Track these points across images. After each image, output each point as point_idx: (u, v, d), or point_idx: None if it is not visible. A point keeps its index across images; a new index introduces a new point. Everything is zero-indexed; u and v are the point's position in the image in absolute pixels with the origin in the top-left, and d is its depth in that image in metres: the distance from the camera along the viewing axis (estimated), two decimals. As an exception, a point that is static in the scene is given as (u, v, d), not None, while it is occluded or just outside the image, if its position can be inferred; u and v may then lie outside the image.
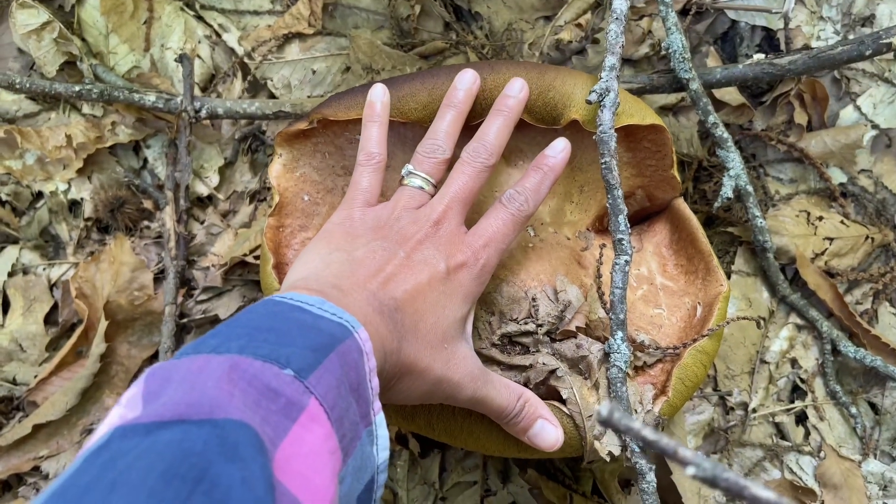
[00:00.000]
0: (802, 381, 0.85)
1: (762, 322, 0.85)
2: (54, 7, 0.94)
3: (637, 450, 0.61)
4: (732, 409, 0.84)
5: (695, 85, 0.81)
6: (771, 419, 0.84)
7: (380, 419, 0.48)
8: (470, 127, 0.72)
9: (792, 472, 0.81)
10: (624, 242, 0.63)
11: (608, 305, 0.70)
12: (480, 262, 0.60)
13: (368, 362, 0.48)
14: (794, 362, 0.86)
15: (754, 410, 0.84)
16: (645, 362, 0.69)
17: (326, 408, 0.42)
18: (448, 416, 0.64)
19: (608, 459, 0.62)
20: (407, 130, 0.74)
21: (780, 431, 0.84)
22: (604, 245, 0.74)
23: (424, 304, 0.56)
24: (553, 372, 0.65)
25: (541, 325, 0.68)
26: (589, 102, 0.63)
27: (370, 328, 0.50)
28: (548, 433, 0.61)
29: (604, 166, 0.63)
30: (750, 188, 0.83)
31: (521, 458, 0.78)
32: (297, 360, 0.42)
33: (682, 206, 0.77)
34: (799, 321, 0.87)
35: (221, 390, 0.38)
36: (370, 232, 0.61)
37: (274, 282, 0.71)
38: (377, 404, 0.48)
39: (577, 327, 0.67)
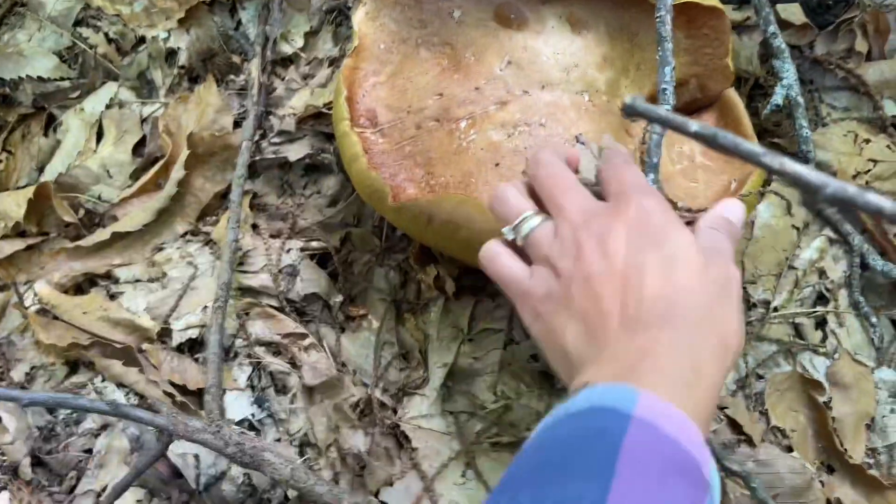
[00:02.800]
0: (828, 290, 0.88)
1: (790, 205, 0.89)
2: None
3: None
4: (755, 305, 0.88)
5: None
6: (791, 320, 0.87)
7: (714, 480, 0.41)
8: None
9: (804, 368, 0.85)
10: (667, 92, 0.68)
11: (648, 169, 0.75)
12: None
13: (686, 433, 0.40)
14: (822, 273, 0.89)
15: (776, 309, 0.87)
16: (675, 222, 0.74)
17: None
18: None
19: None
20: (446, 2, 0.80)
21: (799, 333, 0.87)
22: (652, 114, 0.79)
23: None
24: None
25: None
26: None
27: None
28: None
29: (658, 20, 0.68)
30: (801, 99, 0.86)
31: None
32: (587, 499, 0.36)
33: (733, 93, 0.81)
34: (832, 235, 0.90)
35: None
36: None
37: (345, 112, 0.78)
38: (707, 468, 0.40)
39: (617, 174, 0.72)
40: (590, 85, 0.80)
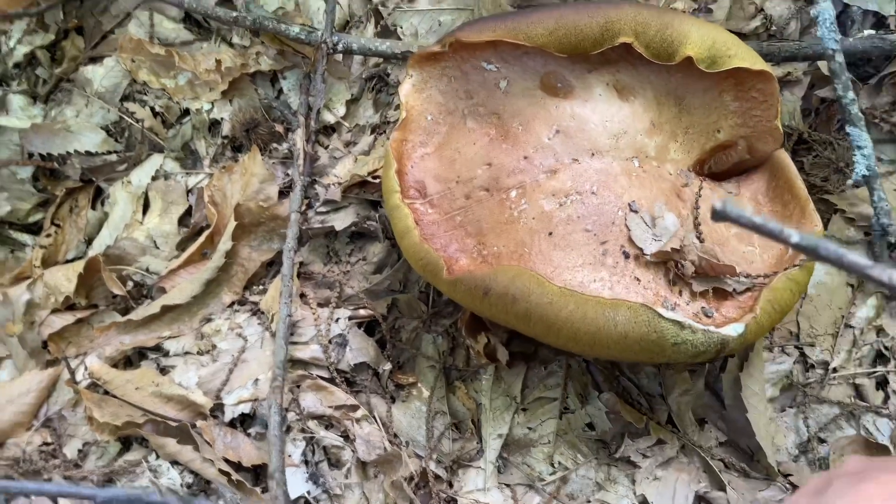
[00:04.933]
0: (887, 348, 0.86)
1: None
2: (219, -51, 1.07)
3: None
4: (813, 366, 0.86)
5: (840, 58, 0.81)
6: (851, 380, 0.85)
7: None
8: (587, 56, 0.79)
9: (868, 431, 0.83)
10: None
11: (702, 235, 0.75)
12: None
13: None
14: (879, 330, 0.87)
15: (835, 370, 0.86)
16: (735, 289, 0.73)
17: None
18: (545, 306, 0.69)
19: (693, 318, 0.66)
20: (529, 59, 0.81)
21: (859, 393, 0.85)
22: (704, 178, 0.79)
23: None
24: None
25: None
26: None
27: None
28: None
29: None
30: (878, 170, 0.84)
31: (612, 357, 0.79)
32: None
33: (783, 155, 0.81)
34: (887, 291, 0.88)
35: None
36: None
37: (395, 184, 0.78)
38: None
39: (672, 248, 0.71)
40: (639, 151, 0.80)
